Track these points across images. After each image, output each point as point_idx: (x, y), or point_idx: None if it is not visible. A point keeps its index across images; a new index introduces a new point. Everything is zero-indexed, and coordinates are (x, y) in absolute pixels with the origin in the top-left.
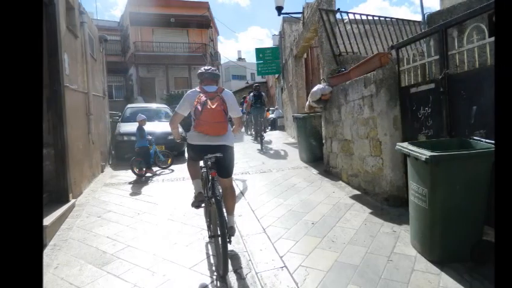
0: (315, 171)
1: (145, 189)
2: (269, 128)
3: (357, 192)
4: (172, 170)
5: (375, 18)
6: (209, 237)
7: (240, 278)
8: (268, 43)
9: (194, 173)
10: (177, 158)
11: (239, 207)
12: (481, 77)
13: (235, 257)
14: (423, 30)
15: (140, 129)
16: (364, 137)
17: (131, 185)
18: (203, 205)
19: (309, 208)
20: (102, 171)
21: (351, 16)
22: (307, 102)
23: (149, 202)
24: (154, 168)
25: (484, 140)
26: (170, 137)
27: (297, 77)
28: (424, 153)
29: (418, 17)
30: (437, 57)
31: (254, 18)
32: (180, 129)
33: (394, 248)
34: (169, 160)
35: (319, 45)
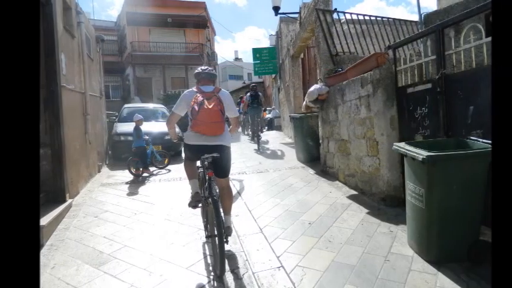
0: (311, 171)
1: (142, 189)
2: (266, 128)
3: (353, 192)
4: (169, 170)
5: (372, 18)
6: (206, 237)
7: (237, 278)
8: (265, 43)
9: (191, 173)
10: (174, 158)
11: (236, 207)
12: (478, 77)
13: (232, 257)
14: (420, 30)
15: (137, 129)
16: (361, 137)
17: (128, 185)
18: (200, 205)
19: (305, 208)
20: (99, 171)
21: (348, 16)
22: (304, 102)
23: (146, 202)
24: (151, 168)
25: (481, 140)
26: (167, 137)
27: (294, 77)
28: (421, 153)
29: (415, 17)
30: (434, 57)
31: (251, 18)
32: (177, 129)
33: (391, 248)
34: (166, 160)
35: (316, 45)
